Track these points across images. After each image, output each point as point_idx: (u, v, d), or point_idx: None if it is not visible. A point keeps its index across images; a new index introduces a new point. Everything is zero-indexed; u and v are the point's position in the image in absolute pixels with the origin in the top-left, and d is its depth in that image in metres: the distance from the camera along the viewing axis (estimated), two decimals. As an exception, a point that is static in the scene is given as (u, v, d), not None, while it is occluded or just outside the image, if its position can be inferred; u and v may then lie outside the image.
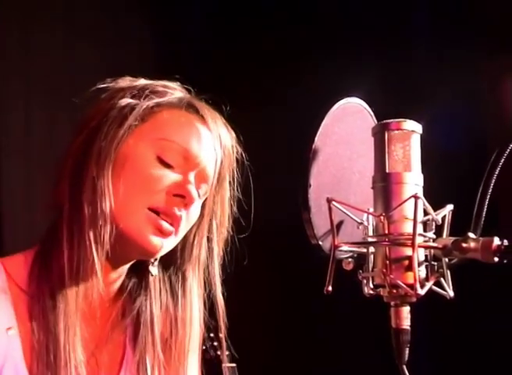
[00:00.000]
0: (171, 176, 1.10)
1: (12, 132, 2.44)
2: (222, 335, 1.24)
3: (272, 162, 2.70)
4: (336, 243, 0.93)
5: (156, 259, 1.17)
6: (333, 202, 0.94)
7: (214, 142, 1.15)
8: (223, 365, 2.56)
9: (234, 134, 1.19)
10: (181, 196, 1.09)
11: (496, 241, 0.88)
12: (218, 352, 2.61)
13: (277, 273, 2.84)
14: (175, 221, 1.09)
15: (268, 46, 2.92)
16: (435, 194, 0.99)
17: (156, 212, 1.09)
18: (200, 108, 1.15)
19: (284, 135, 2.70)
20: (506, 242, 0.88)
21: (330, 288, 0.93)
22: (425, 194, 0.96)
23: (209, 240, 1.20)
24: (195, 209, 1.13)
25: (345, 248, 0.96)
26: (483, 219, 0.91)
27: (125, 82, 1.16)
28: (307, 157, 0.96)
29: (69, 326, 1.08)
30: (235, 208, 1.21)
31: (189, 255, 1.19)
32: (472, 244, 0.89)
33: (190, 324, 1.20)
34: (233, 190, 1.20)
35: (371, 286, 0.95)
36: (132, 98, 1.12)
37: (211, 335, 2.66)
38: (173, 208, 1.09)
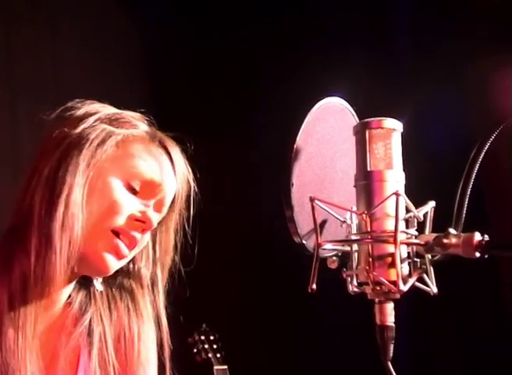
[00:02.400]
0: (134, 202, 1.17)
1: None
2: (166, 357, 1.27)
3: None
4: (319, 241, 0.94)
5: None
6: (316, 201, 0.95)
7: (175, 176, 1.23)
8: (214, 367, 2.59)
9: (191, 172, 1.28)
10: (142, 221, 1.17)
11: (477, 236, 0.89)
12: (210, 354, 2.63)
13: (264, 274, 2.84)
14: (132, 243, 1.17)
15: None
16: (417, 192, 1.00)
17: (117, 233, 1.15)
18: (168, 145, 1.24)
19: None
20: (486, 237, 0.89)
21: (314, 286, 0.93)
22: (408, 192, 0.97)
23: (155, 265, 1.27)
24: (147, 235, 1.21)
25: (328, 246, 0.97)
26: (464, 215, 0.91)
27: (94, 106, 1.22)
28: (289, 156, 0.96)
29: (27, 338, 1.12)
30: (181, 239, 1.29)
31: (136, 277, 1.26)
32: (453, 240, 0.90)
33: (144, 339, 1.25)
34: (181, 222, 1.28)
35: (356, 284, 0.96)
36: (108, 124, 1.19)
37: (202, 338, 2.68)
38: (133, 232, 1.16)
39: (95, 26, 2.82)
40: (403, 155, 0.98)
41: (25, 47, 2.56)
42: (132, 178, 1.17)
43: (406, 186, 0.97)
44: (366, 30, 2.65)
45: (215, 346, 2.64)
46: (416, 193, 1.00)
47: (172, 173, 1.23)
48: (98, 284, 1.24)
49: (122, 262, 1.19)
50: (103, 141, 1.17)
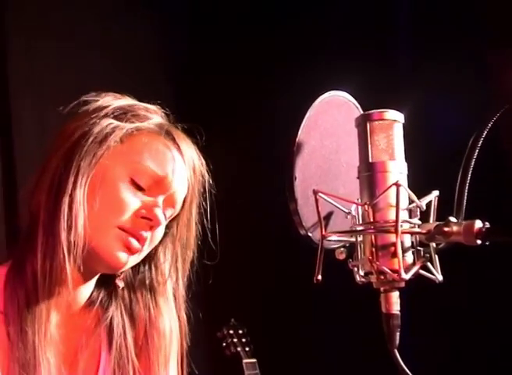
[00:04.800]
0: (141, 199, 1.15)
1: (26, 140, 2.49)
2: (183, 353, 1.27)
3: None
4: (323, 233, 0.96)
5: (122, 273, 1.22)
6: (319, 194, 0.96)
7: (186, 170, 1.20)
8: (243, 361, 2.62)
9: (205, 163, 1.25)
10: (148, 219, 1.14)
11: (478, 223, 0.90)
12: (238, 348, 2.65)
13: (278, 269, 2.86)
14: (140, 241, 1.14)
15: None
16: (423, 182, 1.01)
17: (124, 230, 1.13)
18: (177, 137, 1.20)
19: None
20: (487, 224, 0.90)
21: (320, 277, 0.95)
22: (413, 182, 0.98)
23: (176, 260, 1.25)
24: (159, 231, 1.18)
25: (334, 237, 0.98)
26: (465, 202, 0.92)
27: (109, 99, 1.19)
28: (291, 150, 0.98)
29: (44, 336, 1.12)
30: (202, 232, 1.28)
31: (157, 271, 1.25)
32: (455, 228, 0.91)
33: (165, 335, 1.24)
34: (200, 215, 1.26)
35: (362, 273, 0.98)
36: (114, 118, 1.16)
37: (231, 332, 2.71)
38: (139, 230, 1.14)
39: (114, 27, 2.86)
40: (406, 145, 0.99)
41: (47, 53, 2.61)
42: (136, 175, 1.14)
43: (410, 176, 0.98)
44: (370, 22, 2.65)
45: (243, 340, 2.67)
46: (422, 182, 1.01)
47: (181, 165, 1.19)
48: (120, 282, 1.23)
49: (137, 257, 1.17)
50: (106, 137, 1.14)
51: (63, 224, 1.09)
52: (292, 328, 2.87)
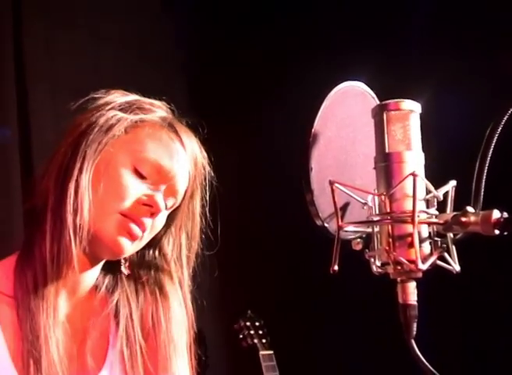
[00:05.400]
0: (142, 187, 1.19)
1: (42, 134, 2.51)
2: (191, 342, 1.29)
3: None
4: (339, 224, 0.96)
5: (127, 260, 1.27)
6: (336, 184, 0.96)
7: (188, 161, 1.24)
8: (260, 352, 2.62)
9: (206, 156, 1.28)
10: (149, 205, 1.18)
11: (496, 213, 0.89)
12: (255, 340, 2.66)
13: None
14: (141, 228, 1.18)
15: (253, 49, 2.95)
16: (440, 172, 1.00)
17: (125, 216, 1.17)
18: (179, 129, 1.24)
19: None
20: (505, 214, 0.89)
21: (336, 268, 0.95)
22: (431, 172, 0.97)
23: (181, 251, 1.29)
24: (160, 219, 1.22)
25: (350, 228, 0.98)
26: (482, 193, 0.92)
27: (116, 95, 1.24)
28: (307, 141, 0.98)
29: (52, 317, 1.16)
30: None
31: (162, 260, 1.29)
32: (472, 218, 0.90)
33: (171, 318, 1.27)
34: (203, 207, 1.29)
35: (378, 264, 0.97)
36: (120, 110, 1.21)
37: (248, 324, 2.72)
38: (140, 216, 1.17)
39: (132, 25, 2.87)
40: (423, 135, 0.98)
41: (65, 49, 2.62)
42: (139, 163, 1.18)
43: (427, 166, 0.98)
44: (385, 10, 2.63)
45: (260, 332, 2.68)
46: (439, 173, 1.00)
47: (183, 156, 1.23)
48: (124, 268, 1.27)
49: (137, 245, 1.20)
50: (111, 127, 1.19)
51: (69, 208, 1.14)
52: (308, 320, 2.87)
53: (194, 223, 1.28)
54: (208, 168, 1.28)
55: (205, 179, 1.28)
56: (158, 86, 1.28)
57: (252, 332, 2.68)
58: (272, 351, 2.62)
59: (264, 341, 2.65)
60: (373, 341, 2.65)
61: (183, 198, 1.25)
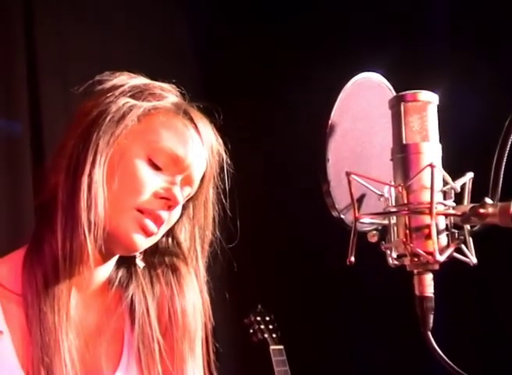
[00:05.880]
0: (159, 179, 1.14)
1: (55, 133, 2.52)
2: (208, 333, 1.26)
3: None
4: (356, 215, 0.95)
5: (141, 253, 1.21)
6: (352, 175, 0.96)
7: (204, 149, 1.19)
8: (270, 347, 2.62)
9: (222, 143, 1.23)
10: (167, 199, 1.13)
11: (514, 205, 0.89)
12: (265, 335, 2.66)
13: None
14: (158, 222, 1.14)
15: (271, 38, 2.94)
16: (456, 163, 1.00)
17: (142, 212, 1.12)
18: (194, 116, 1.19)
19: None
20: (524, 206, 0.88)
21: (353, 259, 0.95)
22: (448, 164, 0.97)
23: (195, 240, 1.24)
24: (176, 211, 1.17)
25: (367, 220, 0.98)
26: (500, 184, 0.91)
27: (123, 77, 1.19)
28: (324, 132, 0.98)
29: (64, 318, 1.11)
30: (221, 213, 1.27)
31: (176, 251, 1.24)
32: (490, 210, 0.90)
33: (188, 312, 1.23)
34: (218, 195, 1.25)
35: (394, 256, 0.97)
36: (131, 97, 1.15)
37: (258, 319, 2.72)
38: (158, 210, 1.13)
39: (144, 16, 2.87)
40: (440, 127, 0.98)
41: (76, 42, 2.62)
42: (154, 154, 1.13)
43: (444, 158, 0.97)
44: (402, 2, 2.62)
45: (270, 326, 2.67)
46: (456, 164, 1.00)
47: (199, 145, 1.17)
48: (139, 261, 1.22)
49: (152, 239, 1.16)
50: (123, 116, 1.13)
51: (83, 204, 1.08)
52: (319, 314, 2.87)
53: (208, 211, 1.23)
54: (224, 155, 1.24)
55: (221, 166, 1.23)
56: (172, 77, 1.24)
57: (262, 327, 2.67)
58: (282, 346, 2.62)
59: (274, 335, 2.65)
60: (385, 336, 2.64)
61: (198, 187, 1.21)
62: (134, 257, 1.22)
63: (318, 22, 2.85)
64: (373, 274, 1.99)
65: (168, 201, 1.13)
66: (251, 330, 2.69)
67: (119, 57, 2.72)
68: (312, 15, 2.88)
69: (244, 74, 2.97)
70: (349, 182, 0.95)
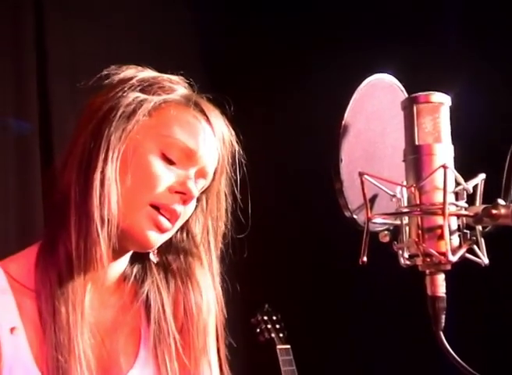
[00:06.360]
0: (173, 173, 1.13)
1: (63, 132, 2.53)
2: (221, 325, 1.25)
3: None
4: (369, 215, 0.96)
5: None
6: (365, 176, 0.97)
7: (216, 141, 1.18)
8: (277, 346, 2.63)
9: (234, 134, 1.22)
10: (182, 193, 1.12)
11: (527, 206, 0.90)
12: (272, 334, 2.67)
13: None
14: (173, 217, 1.13)
15: (283, 34, 2.94)
16: (470, 165, 1.00)
17: (157, 207, 1.12)
18: (205, 107, 1.18)
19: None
20: (536, 207, 0.89)
21: (365, 259, 0.95)
22: (459, 165, 0.97)
23: (208, 232, 1.23)
24: (191, 205, 1.16)
25: (379, 220, 0.99)
26: (513, 185, 0.92)
27: (131, 71, 1.18)
28: (338, 132, 0.98)
29: (80, 316, 1.10)
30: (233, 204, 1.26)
31: (190, 245, 1.23)
32: (502, 211, 0.91)
33: (203, 306, 1.22)
34: (231, 187, 1.24)
35: (406, 256, 0.98)
36: (140, 91, 1.14)
37: (265, 318, 2.72)
38: (173, 205, 1.12)
39: (151, 16, 2.88)
40: (452, 128, 0.98)
41: (85, 41, 2.63)
42: (167, 148, 1.12)
43: (456, 159, 0.98)
44: (413, 3, 2.62)
45: (277, 326, 2.68)
46: (468, 165, 1.00)
47: (211, 136, 1.17)
48: (153, 256, 1.21)
49: (166, 236, 1.15)
50: (134, 111, 1.11)
51: (96, 201, 1.07)
52: (326, 314, 2.87)
53: (221, 203, 1.22)
54: (236, 146, 1.22)
55: (233, 157, 1.22)
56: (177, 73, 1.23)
57: (269, 326, 2.68)
58: (289, 346, 2.62)
59: (281, 335, 2.66)
60: (393, 336, 2.64)
61: (212, 179, 1.20)
62: (148, 252, 1.21)
63: (329, 21, 2.85)
64: (382, 274, 1.99)
65: (183, 195, 1.13)
66: (258, 330, 2.70)
67: (127, 56, 2.72)
68: (324, 15, 2.88)
69: (256, 62, 2.97)
70: (362, 182, 0.96)
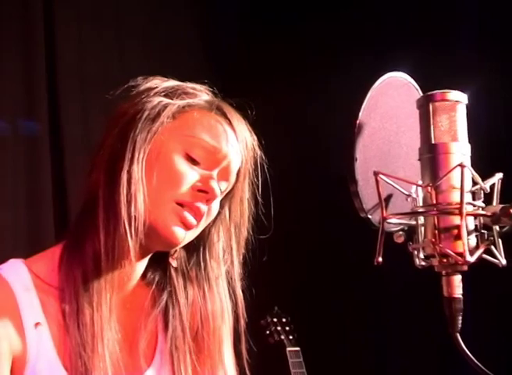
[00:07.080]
0: (196, 173, 1.15)
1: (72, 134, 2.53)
2: (242, 329, 1.25)
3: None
4: (384, 215, 0.95)
5: (176, 251, 1.23)
6: (380, 175, 0.95)
7: (238, 143, 1.20)
8: (287, 349, 2.62)
9: (256, 138, 1.24)
10: (205, 192, 1.15)
11: (545, 206, 0.88)
12: (282, 336, 2.65)
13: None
14: (198, 215, 1.15)
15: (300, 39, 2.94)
16: (486, 163, 0.99)
17: (181, 205, 1.14)
18: (227, 112, 1.21)
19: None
20: (555, 207, 0.88)
21: (380, 259, 0.94)
22: (477, 164, 0.96)
23: (231, 238, 1.25)
24: (215, 205, 1.18)
25: (394, 220, 0.97)
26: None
27: (156, 81, 1.21)
28: (352, 131, 0.97)
29: (104, 315, 1.12)
30: (255, 210, 1.26)
31: (210, 252, 1.25)
32: (521, 211, 0.89)
33: (218, 316, 1.24)
34: (253, 191, 1.25)
35: (422, 257, 0.96)
36: (165, 96, 1.18)
37: (275, 320, 2.71)
38: (197, 203, 1.14)
39: (161, 19, 2.88)
40: (470, 127, 0.97)
41: (94, 44, 2.64)
42: (191, 149, 1.15)
43: (474, 158, 0.96)
44: (430, 3, 2.61)
45: (287, 328, 2.67)
46: (485, 164, 0.99)
47: (234, 139, 1.19)
48: (173, 260, 1.23)
49: (192, 233, 1.17)
50: (158, 114, 1.15)
51: (123, 200, 1.10)
52: (336, 316, 2.86)
53: (244, 208, 1.24)
54: (258, 151, 1.24)
55: (255, 162, 1.24)
56: (190, 77, 1.25)
57: (279, 328, 2.67)
58: (298, 348, 2.61)
59: (291, 337, 2.64)
60: (405, 338, 2.63)
61: (235, 183, 1.21)
62: (168, 256, 1.24)
63: (347, 21, 2.84)
64: (395, 276, 1.97)
65: (206, 194, 1.15)
66: (268, 332, 2.68)
67: (136, 59, 2.73)
68: (341, 15, 2.86)
69: (278, 66, 2.97)
70: (377, 182, 0.95)
